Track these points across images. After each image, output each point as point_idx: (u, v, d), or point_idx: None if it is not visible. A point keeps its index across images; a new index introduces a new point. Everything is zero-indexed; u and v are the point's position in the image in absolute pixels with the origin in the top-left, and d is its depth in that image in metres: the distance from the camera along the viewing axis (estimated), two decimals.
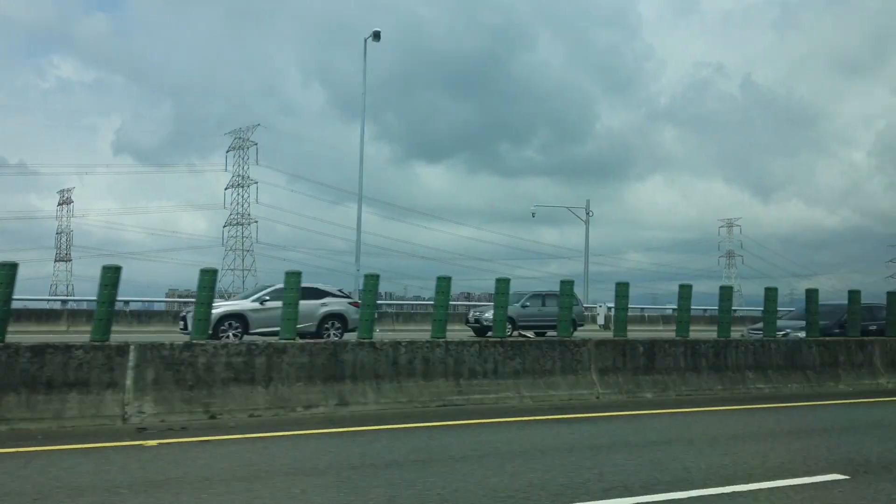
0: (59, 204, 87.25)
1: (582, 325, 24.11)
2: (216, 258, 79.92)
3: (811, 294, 12.77)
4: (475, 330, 23.10)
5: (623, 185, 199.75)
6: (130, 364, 7.60)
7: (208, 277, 9.32)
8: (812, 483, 5.27)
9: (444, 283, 10.42)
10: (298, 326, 9.82)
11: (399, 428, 7.48)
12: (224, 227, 78.46)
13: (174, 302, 35.79)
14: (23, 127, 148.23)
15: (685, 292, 11.41)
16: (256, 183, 77.21)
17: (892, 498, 4.97)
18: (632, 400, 9.79)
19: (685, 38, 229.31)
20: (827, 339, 12.27)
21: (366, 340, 9.05)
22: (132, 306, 29.31)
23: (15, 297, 8.42)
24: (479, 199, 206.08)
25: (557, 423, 8.08)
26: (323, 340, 11.41)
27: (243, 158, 77.80)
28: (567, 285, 11.29)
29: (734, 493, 4.94)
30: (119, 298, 9.65)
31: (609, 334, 12.04)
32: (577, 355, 9.86)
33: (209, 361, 7.94)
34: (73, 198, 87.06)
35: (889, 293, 13.33)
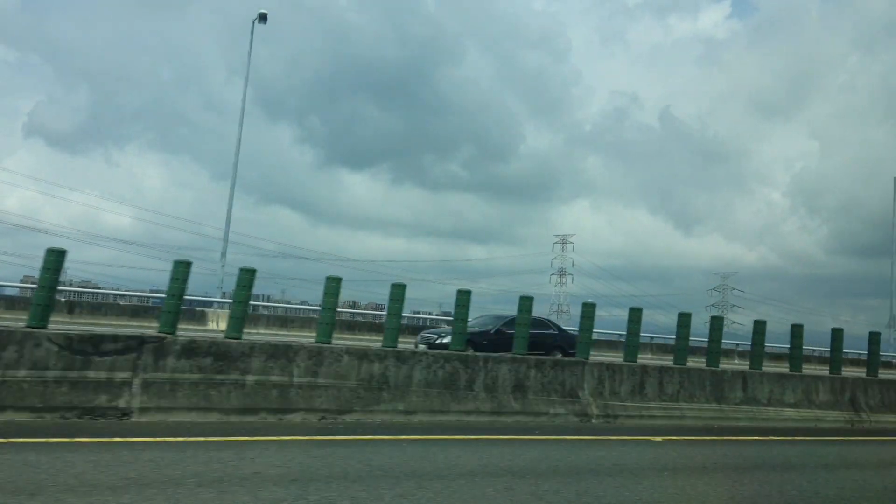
0: None
1: None
2: None
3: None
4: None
5: (549, 208, 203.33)
6: None
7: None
8: None
9: (333, 283, 10.00)
10: None
11: None
12: None
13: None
14: None
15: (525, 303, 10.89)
16: None
17: None
18: None
19: (612, 67, 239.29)
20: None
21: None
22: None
23: None
24: (405, 211, 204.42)
25: None
26: None
27: None
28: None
29: None
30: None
31: None
32: None
33: None
34: None
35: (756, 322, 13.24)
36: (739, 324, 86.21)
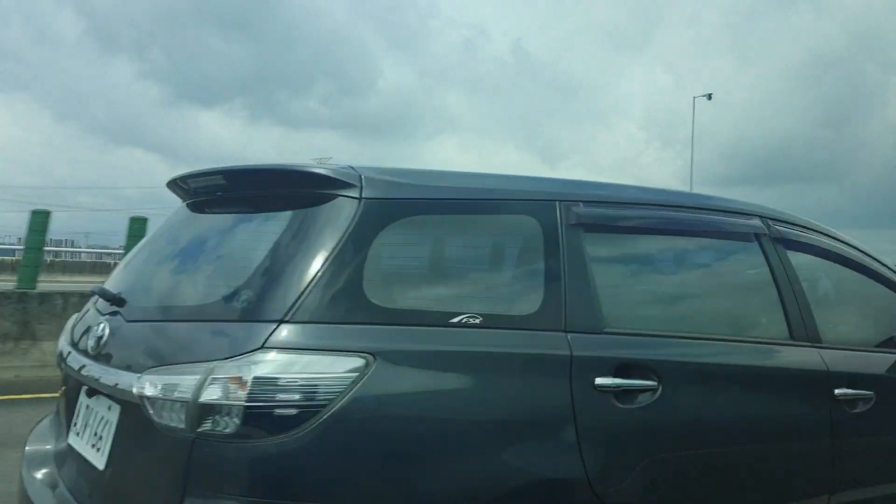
0: None
1: None
2: None
3: None
4: None
5: (415, 145, 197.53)
6: None
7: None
8: None
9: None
10: None
11: None
12: None
13: None
14: None
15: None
16: None
17: None
18: None
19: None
20: None
21: None
22: None
23: None
24: (270, 150, 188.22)
25: None
26: None
27: None
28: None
29: None
30: None
31: None
32: None
33: None
34: None
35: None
36: None
